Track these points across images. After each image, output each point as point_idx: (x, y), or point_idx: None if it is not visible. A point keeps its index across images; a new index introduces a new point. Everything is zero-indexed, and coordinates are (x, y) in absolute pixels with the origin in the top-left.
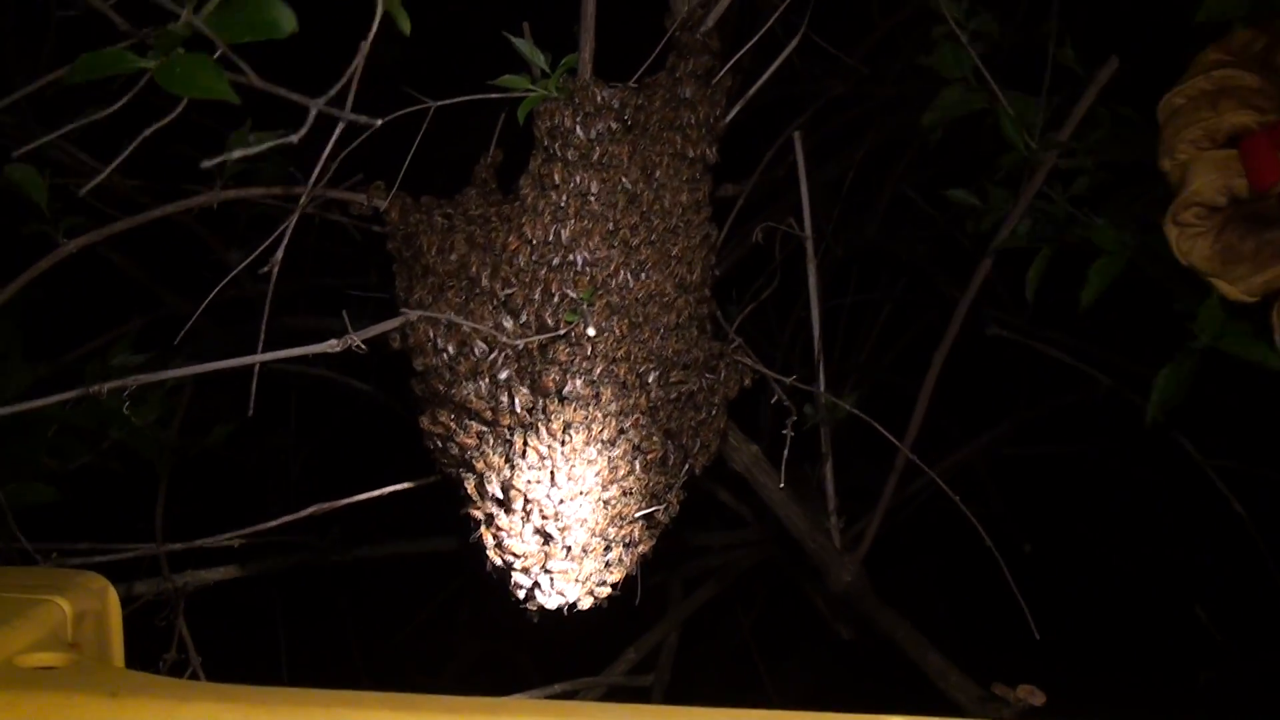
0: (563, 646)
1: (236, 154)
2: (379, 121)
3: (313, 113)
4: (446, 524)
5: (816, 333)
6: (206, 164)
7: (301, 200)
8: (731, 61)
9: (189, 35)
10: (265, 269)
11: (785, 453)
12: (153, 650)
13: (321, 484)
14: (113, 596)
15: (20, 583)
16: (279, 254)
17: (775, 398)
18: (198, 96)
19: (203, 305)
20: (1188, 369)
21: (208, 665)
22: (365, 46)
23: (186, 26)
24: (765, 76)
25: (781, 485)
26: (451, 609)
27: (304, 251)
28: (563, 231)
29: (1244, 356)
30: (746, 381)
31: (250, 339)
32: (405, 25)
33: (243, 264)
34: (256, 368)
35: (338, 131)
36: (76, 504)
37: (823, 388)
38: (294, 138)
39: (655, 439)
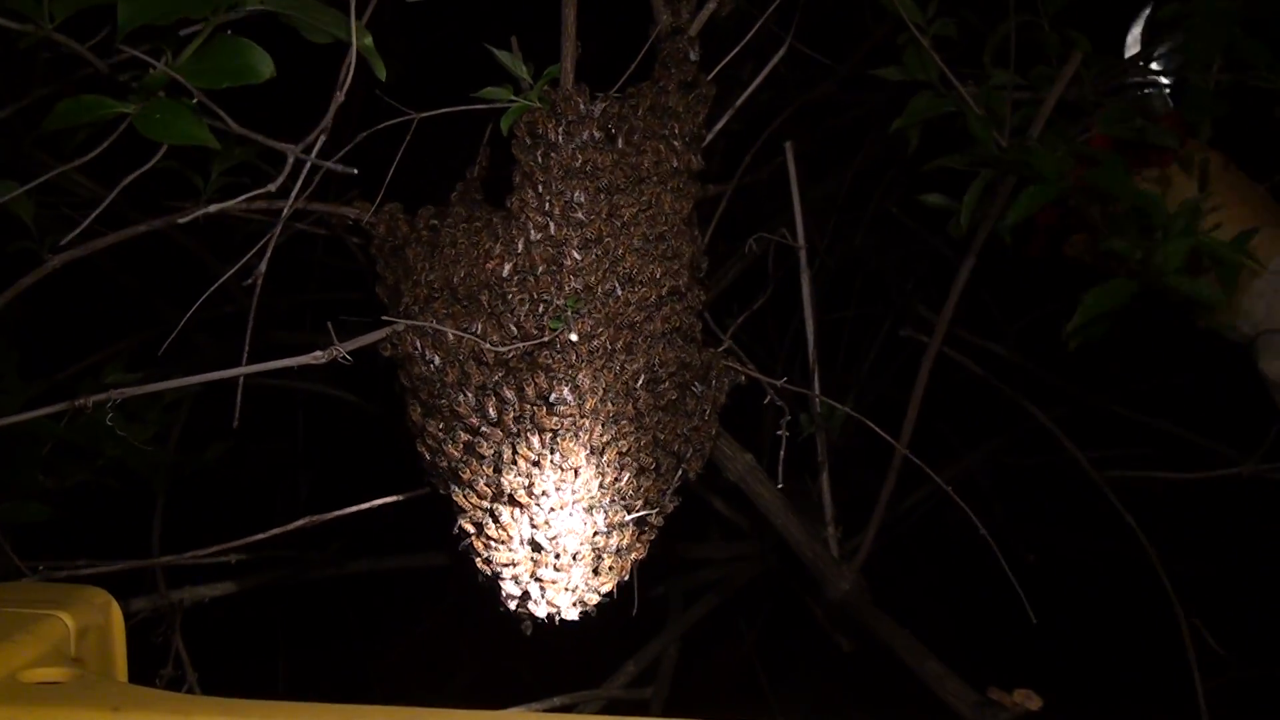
0: (562, 659)
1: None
2: (355, 170)
3: (290, 159)
4: (447, 537)
5: (811, 340)
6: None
7: (283, 214)
8: (717, 69)
9: (167, 81)
10: (248, 281)
11: (781, 453)
12: (150, 667)
13: (331, 499)
14: (116, 611)
15: (23, 598)
16: (262, 266)
17: (768, 398)
18: (177, 143)
19: (184, 318)
20: (1120, 295)
21: (208, 680)
22: (340, 96)
23: (163, 74)
24: (754, 86)
25: (780, 486)
26: (451, 622)
27: (308, 265)
28: (548, 240)
29: (1188, 292)
30: (742, 379)
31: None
32: (381, 72)
33: (224, 277)
34: (240, 381)
35: (305, 171)
36: (75, 521)
37: (818, 393)
38: (271, 187)
39: (645, 445)
